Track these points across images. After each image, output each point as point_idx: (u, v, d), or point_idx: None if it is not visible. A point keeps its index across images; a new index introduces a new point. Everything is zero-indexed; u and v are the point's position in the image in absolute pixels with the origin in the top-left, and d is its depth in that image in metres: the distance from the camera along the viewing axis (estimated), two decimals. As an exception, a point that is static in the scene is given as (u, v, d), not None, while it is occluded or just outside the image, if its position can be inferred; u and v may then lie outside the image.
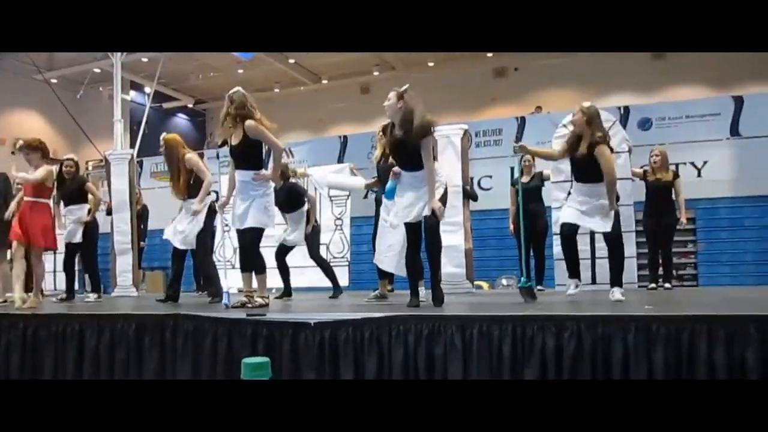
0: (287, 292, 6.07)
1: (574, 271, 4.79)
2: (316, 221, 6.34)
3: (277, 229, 5.78)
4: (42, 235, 5.05)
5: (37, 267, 5.25)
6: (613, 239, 4.61)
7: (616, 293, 4.42)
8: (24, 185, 5.35)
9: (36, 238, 5.02)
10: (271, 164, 4.83)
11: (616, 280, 4.55)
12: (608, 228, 4.46)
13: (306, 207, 6.02)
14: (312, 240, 6.15)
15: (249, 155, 4.47)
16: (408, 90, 4.09)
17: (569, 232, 4.63)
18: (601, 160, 4.33)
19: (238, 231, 4.62)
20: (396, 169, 4.34)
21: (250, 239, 4.51)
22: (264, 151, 4.68)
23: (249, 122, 4.34)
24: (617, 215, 4.52)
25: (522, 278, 5.23)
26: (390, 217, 4.44)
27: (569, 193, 4.88)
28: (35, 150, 5.19)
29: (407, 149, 4.10)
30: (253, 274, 4.56)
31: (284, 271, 6.06)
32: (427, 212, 4.08)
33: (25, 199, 5.20)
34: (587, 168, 4.44)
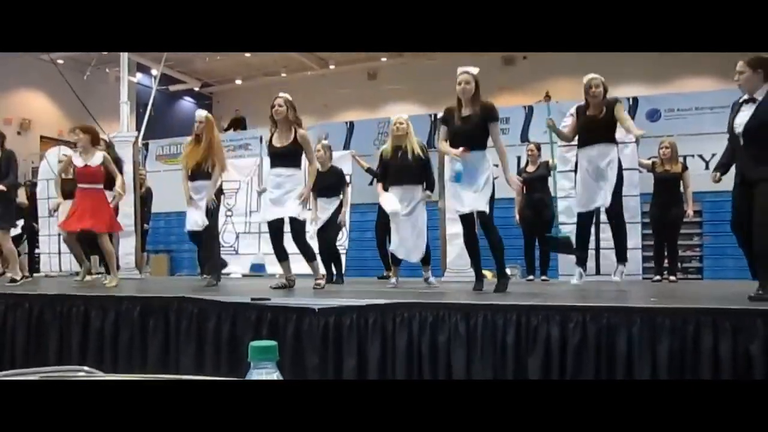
0: (338, 274, 6.10)
1: (581, 259, 4.91)
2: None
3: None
4: (106, 222, 5.20)
5: (106, 246, 5.38)
6: (616, 215, 4.92)
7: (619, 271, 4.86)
8: (78, 171, 5.36)
9: (99, 226, 5.17)
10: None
11: (621, 255, 4.93)
12: (609, 201, 4.75)
13: (343, 196, 6.09)
14: (335, 227, 6.16)
15: (297, 156, 4.93)
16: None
17: (586, 220, 4.94)
18: (621, 114, 4.84)
19: (273, 222, 4.86)
20: (460, 151, 4.34)
21: (297, 229, 4.85)
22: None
23: (302, 131, 4.85)
24: (619, 194, 4.81)
25: (554, 228, 5.58)
26: (461, 207, 4.52)
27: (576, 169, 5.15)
28: (86, 133, 5.25)
29: (476, 129, 4.42)
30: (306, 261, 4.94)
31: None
32: (482, 207, 4.33)
33: (79, 186, 5.21)
34: (601, 127, 4.82)
